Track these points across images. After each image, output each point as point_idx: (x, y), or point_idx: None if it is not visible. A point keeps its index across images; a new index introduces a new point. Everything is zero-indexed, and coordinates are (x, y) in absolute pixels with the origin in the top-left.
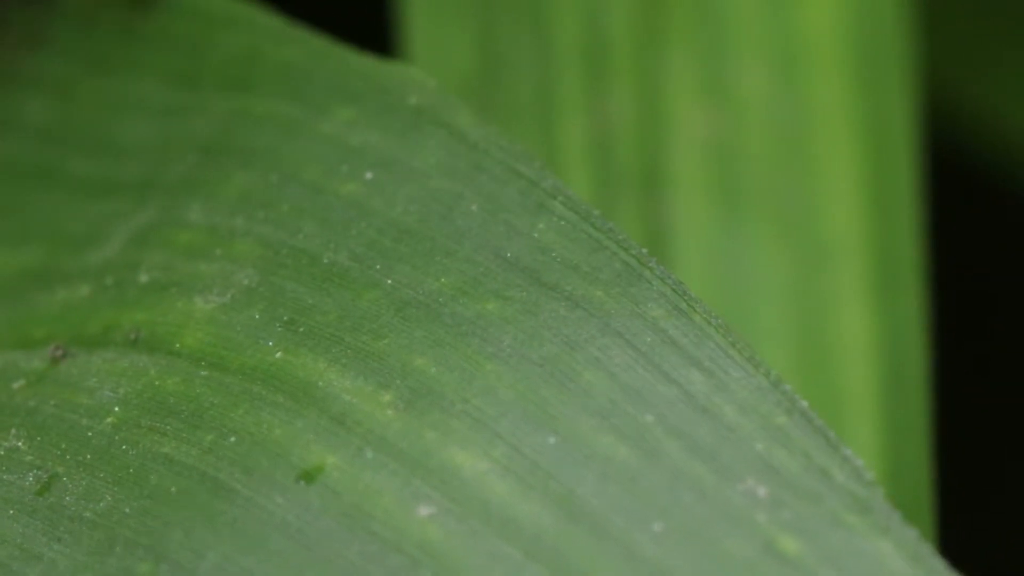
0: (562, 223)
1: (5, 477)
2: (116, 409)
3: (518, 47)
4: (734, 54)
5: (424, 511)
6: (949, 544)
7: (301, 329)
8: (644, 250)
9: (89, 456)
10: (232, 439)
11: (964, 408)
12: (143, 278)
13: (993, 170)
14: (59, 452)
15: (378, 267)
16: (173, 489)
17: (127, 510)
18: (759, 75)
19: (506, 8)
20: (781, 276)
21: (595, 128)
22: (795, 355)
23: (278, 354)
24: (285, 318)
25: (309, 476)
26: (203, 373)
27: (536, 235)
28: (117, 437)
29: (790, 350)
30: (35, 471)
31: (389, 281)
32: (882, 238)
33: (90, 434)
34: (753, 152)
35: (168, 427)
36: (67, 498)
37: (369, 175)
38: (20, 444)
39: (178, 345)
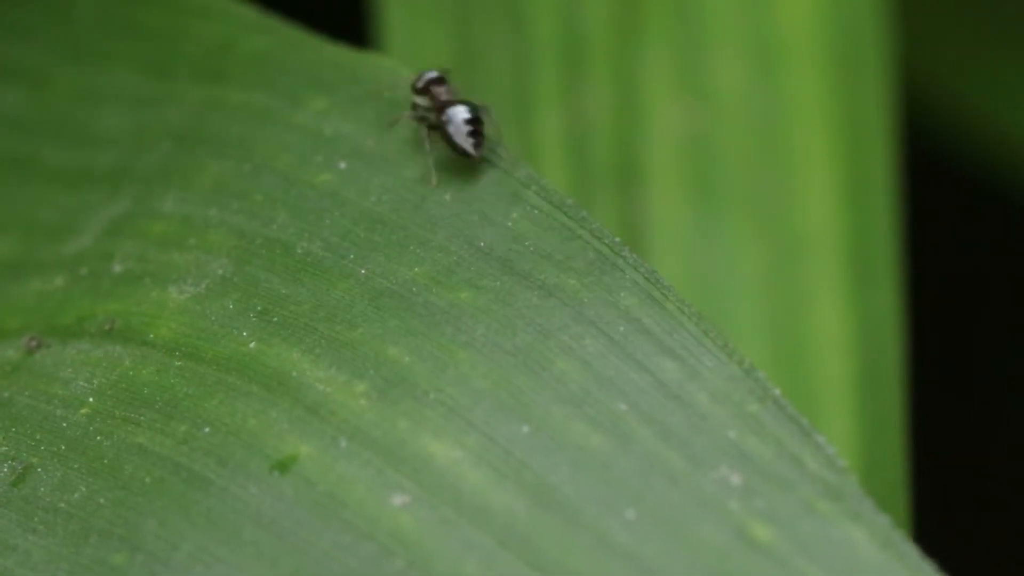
0: (535, 212)
1: None
2: (90, 400)
3: (494, 41)
4: (711, 49)
5: (397, 500)
6: (925, 537)
7: (275, 319)
8: (617, 239)
9: (64, 447)
10: (206, 429)
11: (940, 402)
12: (117, 268)
13: (970, 164)
14: (34, 443)
15: (352, 257)
16: (147, 479)
17: (102, 500)
18: (736, 70)
19: (483, 3)
20: (757, 271)
21: (572, 123)
22: (771, 350)
23: (252, 344)
24: (259, 308)
25: (283, 466)
26: (177, 363)
27: (509, 224)
28: (92, 428)
29: (766, 344)
30: (9, 462)
31: (363, 271)
32: (858, 233)
33: (65, 425)
34: (729, 147)
35: (142, 417)
36: (42, 489)
37: (343, 165)
38: None
39: (152, 335)
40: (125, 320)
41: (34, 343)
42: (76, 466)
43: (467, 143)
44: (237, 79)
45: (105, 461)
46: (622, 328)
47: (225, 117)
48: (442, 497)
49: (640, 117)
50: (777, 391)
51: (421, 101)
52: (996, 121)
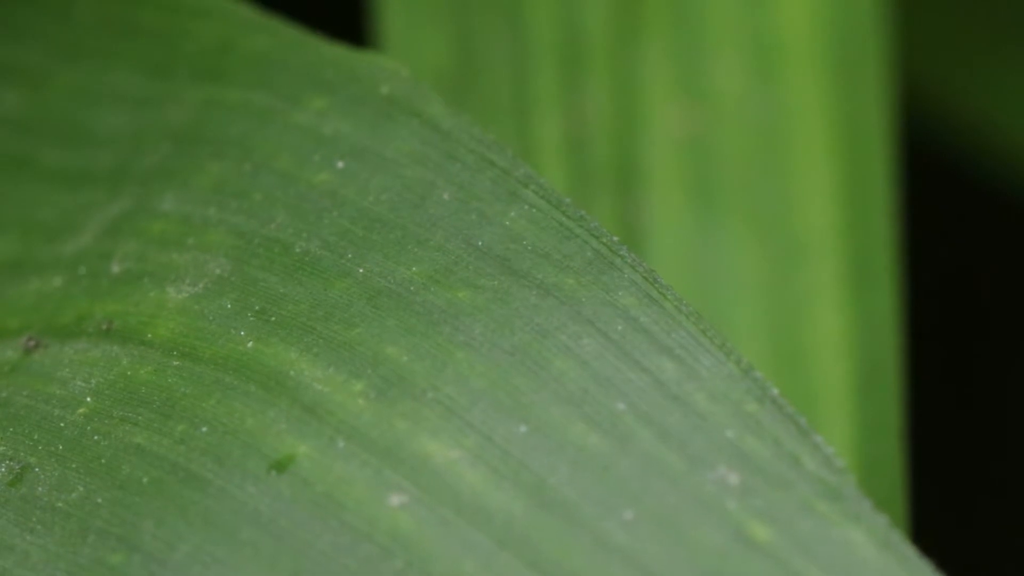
0: (533, 211)
1: None
2: (88, 399)
3: (493, 42)
4: (710, 51)
5: (395, 500)
6: (923, 536)
7: (273, 318)
8: (615, 238)
9: (61, 447)
10: (204, 429)
11: (939, 402)
12: (116, 268)
13: (968, 166)
14: (32, 443)
15: (350, 256)
16: (145, 479)
17: (99, 500)
18: (734, 72)
19: (482, 4)
20: (756, 272)
21: (571, 125)
22: (769, 351)
23: (250, 344)
24: (257, 307)
25: (280, 466)
26: (175, 363)
27: (508, 223)
28: (89, 427)
29: (764, 346)
30: (7, 462)
31: (361, 270)
32: (857, 234)
33: (63, 425)
34: (728, 149)
35: (140, 417)
36: (40, 489)
37: (341, 164)
38: None
39: (150, 335)
40: (123, 320)
41: (32, 343)
42: (74, 466)
43: None
44: (236, 79)
45: (103, 461)
46: (620, 327)
47: (224, 117)
48: (440, 497)
49: (639, 119)
50: (775, 391)
51: None
52: (996, 121)
